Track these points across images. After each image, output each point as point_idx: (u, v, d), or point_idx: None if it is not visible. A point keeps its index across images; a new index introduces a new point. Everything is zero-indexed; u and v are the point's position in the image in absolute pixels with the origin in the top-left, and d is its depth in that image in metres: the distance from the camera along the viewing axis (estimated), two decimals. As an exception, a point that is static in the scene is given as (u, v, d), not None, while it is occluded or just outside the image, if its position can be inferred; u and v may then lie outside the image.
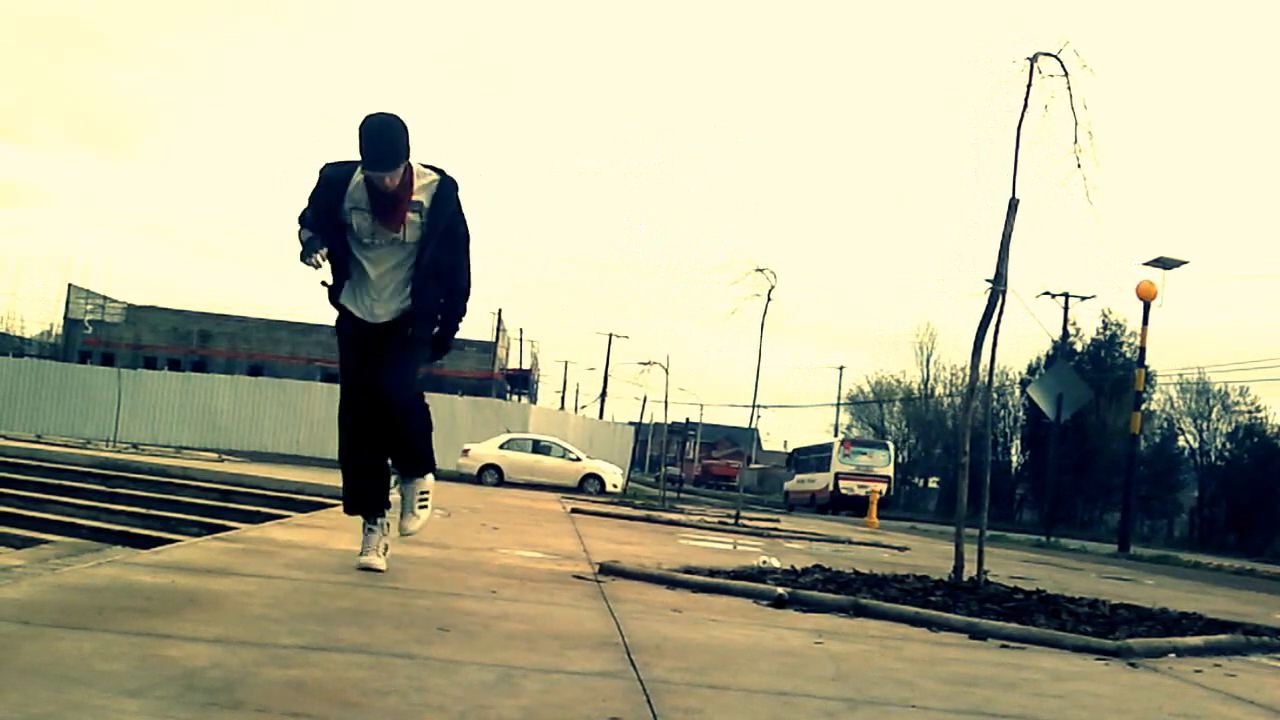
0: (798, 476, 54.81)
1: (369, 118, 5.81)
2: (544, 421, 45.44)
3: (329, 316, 6.37)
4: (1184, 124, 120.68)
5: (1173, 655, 5.52)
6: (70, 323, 54.58)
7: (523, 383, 64.75)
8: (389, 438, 6.31)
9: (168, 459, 21.24)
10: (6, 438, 25.08)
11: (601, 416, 73.32)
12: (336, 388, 6.31)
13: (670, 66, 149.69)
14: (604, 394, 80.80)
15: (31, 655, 3.23)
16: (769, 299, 16.90)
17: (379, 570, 6.17)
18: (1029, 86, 7.19)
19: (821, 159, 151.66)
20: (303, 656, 3.59)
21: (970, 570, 7.27)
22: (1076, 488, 60.42)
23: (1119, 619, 6.57)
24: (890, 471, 47.84)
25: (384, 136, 5.80)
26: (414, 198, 5.96)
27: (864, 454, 48.05)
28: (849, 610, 6.08)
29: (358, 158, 5.86)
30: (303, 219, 6.11)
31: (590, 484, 35.17)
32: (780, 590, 6.40)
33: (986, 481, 8.15)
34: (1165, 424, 65.94)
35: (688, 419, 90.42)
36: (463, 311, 6.42)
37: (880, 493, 38.19)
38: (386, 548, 6.43)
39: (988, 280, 7.47)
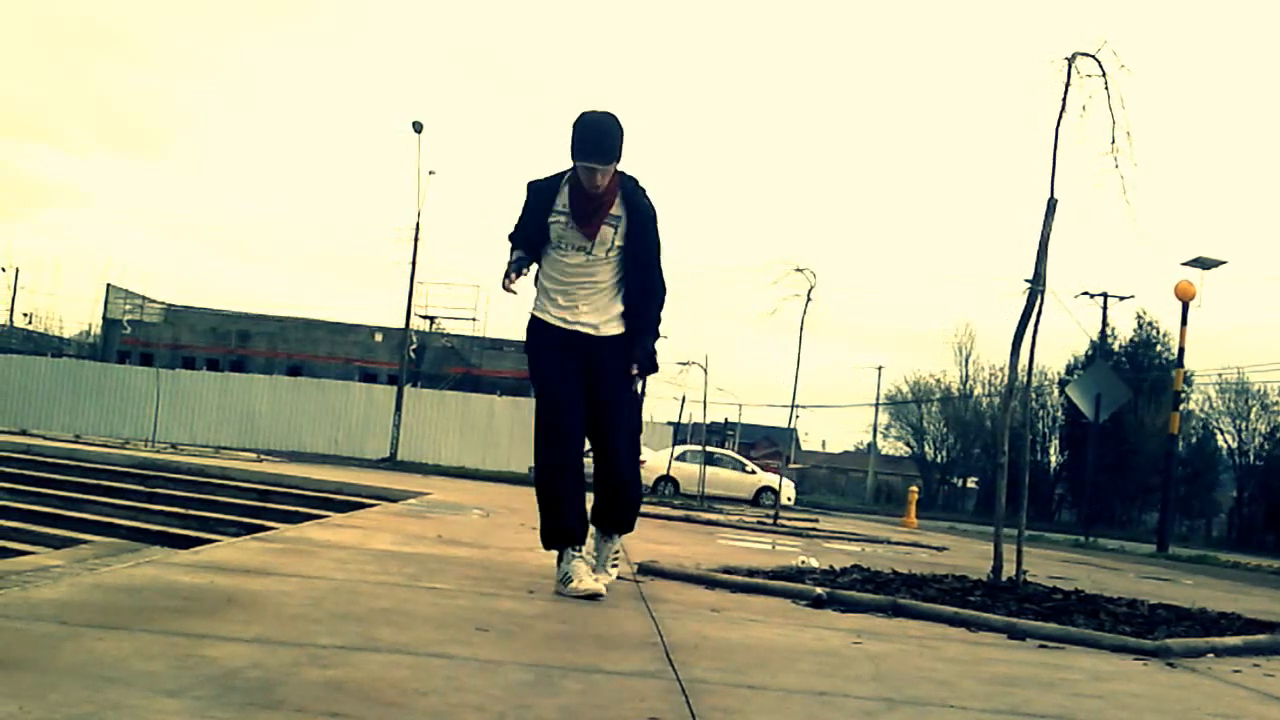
0: None
1: (587, 112, 5.76)
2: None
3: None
4: (1223, 123, 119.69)
5: (1211, 655, 5.47)
6: (109, 323, 55.00)
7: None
8: (606, 499, 6.16)
9: (206, 459, 21.35)
10: (45, 438, 25.28)
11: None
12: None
13: (701, 64, 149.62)
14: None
15: (70, 655, 3.25)
16: (808, 299, 16.82)
17: (601, 594, 5.64)
18: (1067, 86, 7.14)
19: (860, 158, 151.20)
20: (341, 656, 3.60)
21: (1009, 570, 7.24)
22: (1115, 488, 60.04)
23: (1157, 619, 6.52)
24: None
25: (603, 129, 5.74)
26: (613, 211, 5.85)
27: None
28: (887, 610, 6.06)
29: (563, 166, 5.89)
30: (512, 238, 6.04)
31: (765, 496, 34.85)
32: (819, 590, 6.38)
33: (1025, 481, 8.08)
34: (1203, 424, 65.53)
35: (726, 419, 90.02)
36: (660, 320, 6.13)
37: None
38: (597, 567, 6.08)
39: (1026, 280, 7.44)
